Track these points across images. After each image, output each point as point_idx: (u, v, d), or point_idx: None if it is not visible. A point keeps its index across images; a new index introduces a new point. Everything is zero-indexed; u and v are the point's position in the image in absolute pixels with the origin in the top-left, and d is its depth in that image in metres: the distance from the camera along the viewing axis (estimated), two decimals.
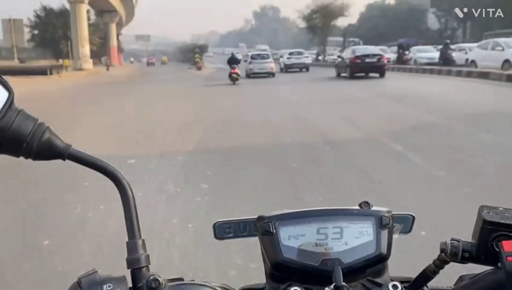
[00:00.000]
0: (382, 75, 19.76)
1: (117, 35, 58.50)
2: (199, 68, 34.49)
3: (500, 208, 0.56)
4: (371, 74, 19.84)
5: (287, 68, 27.96)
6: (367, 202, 0.63)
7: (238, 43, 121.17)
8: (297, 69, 27.71)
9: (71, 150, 0.53)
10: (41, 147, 0.51)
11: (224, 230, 0.68)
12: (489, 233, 0.54)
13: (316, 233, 0.61)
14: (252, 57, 24.61)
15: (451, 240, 0.58)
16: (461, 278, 0.59)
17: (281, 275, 0.62)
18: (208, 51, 72.55)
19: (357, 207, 0.64)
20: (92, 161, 0.53)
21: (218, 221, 0.68)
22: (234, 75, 18.57)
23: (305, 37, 52.16)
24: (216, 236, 0.69)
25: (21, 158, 0.52)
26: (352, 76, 19.71)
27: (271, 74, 23.29)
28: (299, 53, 29.97)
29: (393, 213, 0.64)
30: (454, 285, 0.60)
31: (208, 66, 39.93)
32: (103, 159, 0.54)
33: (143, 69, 44.66)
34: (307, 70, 27.68)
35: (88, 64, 36.77)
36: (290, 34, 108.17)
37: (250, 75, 23.27)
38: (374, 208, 0.63)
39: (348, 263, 0.59)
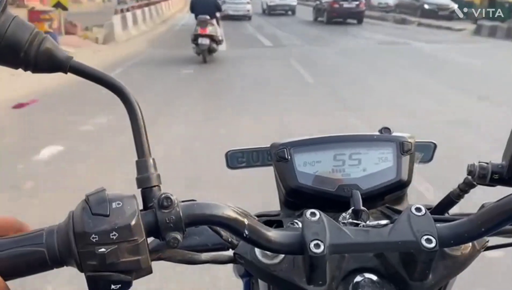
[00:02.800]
0: (360, 21, 19.37)
1: None
2: None
3: None
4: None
5: (270, 10, 25.59)
6: (387, 128, 0.61)
7: None
8: (282, 11, 25.50)
9: (73, 62, 0.49)
10: (40, 58, 0.47)
11: (237, 159, 0.67)
12: None
13: (332, 160, 0.60)
14: None
15: (479, 162, 0.56)
16: (483, 206, 0.56)
17: (296, 202, 0.61)
18: None
19: (377, 133, 0.61)
20: (97, 75, 0.49)
21: (230, 150, 0.67)
22: (203, 42, 8.91)
23: None
24: (228, 165, 0.67)
25: None
26: (329, 22, 19.20)
27: (247, 17, 22.04)
28: None
29: (415, 140, 0.62)
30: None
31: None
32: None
33: None
34: (293, 13, 25.45)
35: None
36: None
37: (224, 16, 21.70)
38: (395, 133, 0.61)
39: (367, 189, 0.58)
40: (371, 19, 21.00)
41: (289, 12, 25.55)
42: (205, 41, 8.91)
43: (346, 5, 18.91)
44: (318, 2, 21.14)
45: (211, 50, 9.34)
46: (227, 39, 11.95)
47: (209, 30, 8.92)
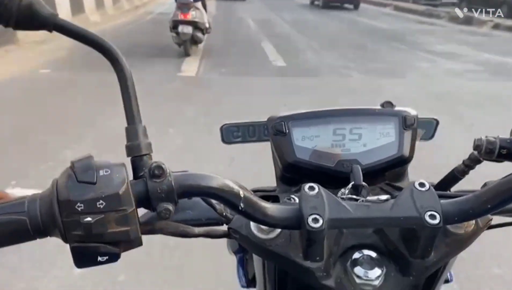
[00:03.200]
0: (356, 7, 19.14)
1: None
2: None
3: None
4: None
5: None
6: (389, 102, 0.59)
7: None
8: None
9: (58, 19, 0.46)
10: (21, 13, 0.45)
11: (232, 134, 0.65)
12: None
13: (332, 134, 0.58)
14: None
15: (486, 137, 0.54)
16: (486, 185, 0.55)
17: (293, 178, 0.59)
18: None
19: (379, 107, 0.59)
20: (84, 34, 0.47)
21: (226, 124, 0.64)
22: (185, 30, 7.03)
23: None
24: (223, 140, 0.65)
25: None
26: (325, 6, 18.91)
27: None
28: None
29: (417, 115, 0.60)
30: None
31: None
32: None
33: None
34: None
35: None
36: None
37: None
38: (397, 108, 0.59)
39: (367, 165, 0.57)
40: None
41: None
42: (187, 29, 6.98)
43: None
44: None
45: (195, 41, 7.42)
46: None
47: (192, 15, 7.00)
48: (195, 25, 7.13)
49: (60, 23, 0.46)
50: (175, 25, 7.11)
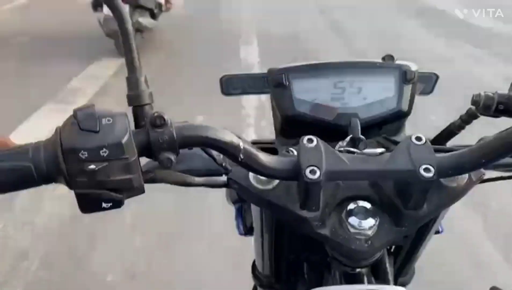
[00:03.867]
0: None
1: None
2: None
3: None
4: None
5: None
6: (390, 56, 0.59)
7: None
8: None
9: None
10: None
11: (232, 85, 0.65)
12: None
13: (332, 87, 0.58)
14: None
15: (484, 92, 0.54)
16: (481, 140, 0.56)
17: (292, 131, 0.59)
18: None
19: (379, 60, 0.59)
20: None
21: (225, 75, 0.64)
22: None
23: None
24: (223, 91, 0.65)
25: None
26: None
27: None
28: None
29: (418, 70, 0.60)
30: None
31: None
32: None
33: None
34: None
35: None
36: None
37: None
38: (398, 61, 0.59)
39: (366, 118, 0.57)
40: None
41: None
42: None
43: None
44: None
45: (137, 29, 4.49)
46: None
47: None
48: (135, 1, 4.25)
49: None
50: (96, 2, 4.32)
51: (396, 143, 0.57)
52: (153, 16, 4.80)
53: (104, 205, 0.43)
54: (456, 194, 0.52)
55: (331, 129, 0.58)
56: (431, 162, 0.46)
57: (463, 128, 0.60)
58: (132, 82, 0.47)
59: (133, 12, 4.35)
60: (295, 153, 0.49)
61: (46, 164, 0.41)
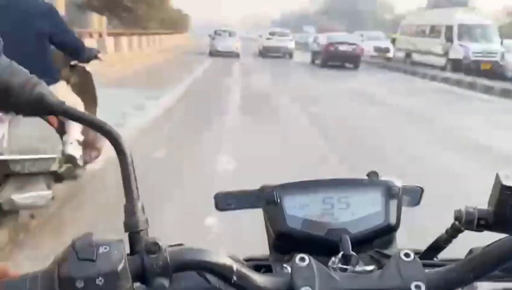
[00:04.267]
0: (356, 66, 19.01)
1: None
2: None
3: None
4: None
5: (265, 52, 23.79)
6: (375, 172, 0.63)
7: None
8: (278, 54, 23.65)
9: (65, 107, 0.50)
10: (32, 102, 0.49)
11: (226, 201, 0.67)
12: (508, 198, 0.52)
13: (321, 203, 0.60)
14: (217, 33, 23.22)
15: (465, 208, 0.56)
16: (471, 251, 0.57)
17: (285, 246, 0.61)
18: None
19: (365, 177, 0.63)
20: (89, 119, 0.51)
21: (219, 193, 0.67)
22: None
23: None
24: (217, 207, 0.67)
25: None
26: (324, 65, 19.01)
27: (235, 54, 22.03)
28: (282, 34, 24.53)
29: (402, 185, 0.63)
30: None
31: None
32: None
33: None
34: (291, 56, 23.80)
35: None
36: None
37: (213, 52, 21.94)
38: (382, 178, 0.62)
39: (356, 234, 0.59)
40: None
41: (287, 56, 24.03)
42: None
43: (341, 48, 18.64)
44: (316, 45, 20.91)
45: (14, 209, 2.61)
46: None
47: None
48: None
49: (67, 110, 0.50)
50: None
51: (388, 256, 0.58)
52: (60, 178, 2.91)
53: None
54: None
55: (323, 244, 0.59)
56: (421, 279, 0.47)
57: (450, 241, 0.61)
58: (129, 209, 0.49)
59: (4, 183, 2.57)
60: (289, 269, 0.50)
61: None
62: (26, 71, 0.49)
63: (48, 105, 0.50)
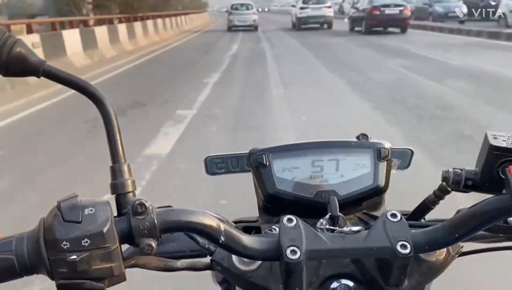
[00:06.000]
0: (404, 30, 17.23)
1: None
2: None
3: (507, 134, 0.53)
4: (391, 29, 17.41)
5: (300, 24, 21.20)
6: (365, 134, 0.62)
7: None
8: (317, 25, 21.06)
9: (46, 66, 0.49)
10: (11, 61, 0.47)
11: (216, 165, 0.68)
12: (495, 159, 0.51)
13: (311, 166, 0.61)
14: (233, 8, 22.55)
15: (453, 168, 0.56)
16: (458, 212, 0.56)
17: (274, 208, 0.61)
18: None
19: (354, 139, 0.62)
20: (70, 79, 0.50)
21: (209, 156, 0.67)
22: None
23: None
24: (207, 171, 0.68)
25: None
26: (368, 32, 17.15)
27: (253, 27, 21.52)
28: (318, 2, 21.28)
29: (392, 147, 0.63)
30: None
31: None
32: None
33: None
34: (330, 26, 21.08)
35: None
36: None
37: (231, 28, 21.53)
38: (372, 140, 0.62)
39: (344, 195, 0.59)
40: None
41: (325, 26, 21.40)
42: None
43: (387, 11, 16.90)
44: (354, 11, 19.20)
45: None
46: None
47: None
48: None
49: (48, 69, 0.49)
50: None
51: (375, 218, 0.58)
52: None
53: None
54: (436, 269, 0.51)
55: (312, 206, 0.59)
56: (407, 238, 0.47)
57: (437, 203, 0.60)
58: (116, 171, 0.49)
59: None
60: (277, 230, 0.50)
61: (28, 255, 0.43)
62: (2, 28, 0.47)
63: (29, 64, 0.48)
